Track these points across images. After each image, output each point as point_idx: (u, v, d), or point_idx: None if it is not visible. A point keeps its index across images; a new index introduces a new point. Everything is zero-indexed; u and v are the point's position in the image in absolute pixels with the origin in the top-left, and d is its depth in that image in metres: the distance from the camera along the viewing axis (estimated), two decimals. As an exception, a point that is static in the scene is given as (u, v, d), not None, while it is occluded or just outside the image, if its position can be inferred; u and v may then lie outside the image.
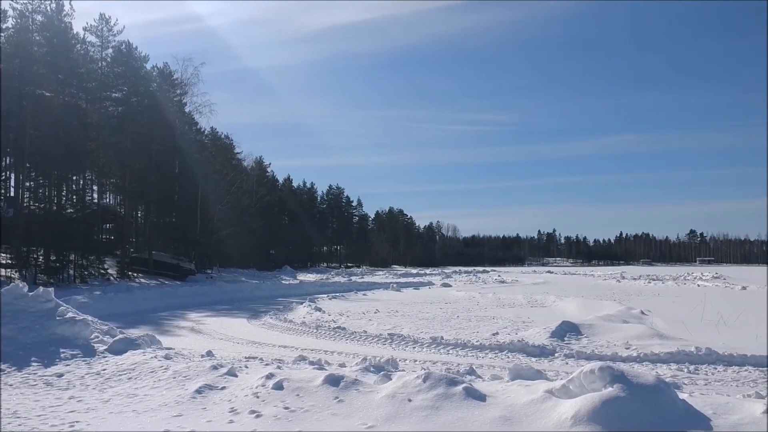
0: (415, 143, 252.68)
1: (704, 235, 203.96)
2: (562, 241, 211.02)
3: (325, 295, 32.63)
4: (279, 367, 8.41)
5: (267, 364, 9.18)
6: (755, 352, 11.60)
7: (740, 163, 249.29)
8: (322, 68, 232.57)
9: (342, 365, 9.46)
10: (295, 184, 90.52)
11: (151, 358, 9.22)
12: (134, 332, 12.66)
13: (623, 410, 5.28)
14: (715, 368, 10.99)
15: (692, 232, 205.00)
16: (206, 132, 53.69)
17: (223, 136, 59.88)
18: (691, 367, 11.02)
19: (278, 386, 7.06)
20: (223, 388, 7.39)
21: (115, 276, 34.26)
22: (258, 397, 6.84)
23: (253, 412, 6.38)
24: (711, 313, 20.04)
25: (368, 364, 8.43)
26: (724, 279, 52.45)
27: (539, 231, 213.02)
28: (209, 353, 10.42)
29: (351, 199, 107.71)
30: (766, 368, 10.76)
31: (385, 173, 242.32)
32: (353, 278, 53.20)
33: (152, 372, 8.43)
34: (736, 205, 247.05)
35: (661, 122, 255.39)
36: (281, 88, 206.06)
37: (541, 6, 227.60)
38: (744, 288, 38.68)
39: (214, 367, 8.24)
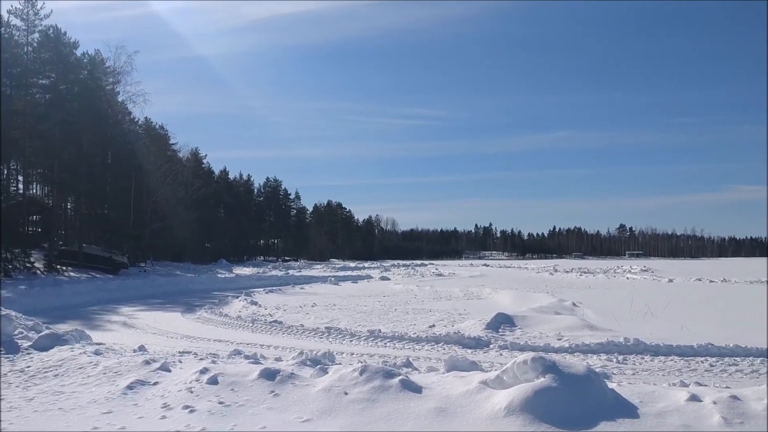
0: (353, 136, 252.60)
1: (633, 229, 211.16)
2: (498, 234, 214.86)
3: (262, 289, 32.32)
4: (214, 362, 8.28)
5: (201, 359, 9.02)
6: (681, 342, 12.06)
7: (669, 161, 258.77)
8: (262, 59, 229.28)
9: (278, 359, 9.38)
10: (231, 176, 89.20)
11: (80, 353, 8.93)
12: (62, 327, 12.25)
13: (555, 400, 5.40)
14: (643, 358, 11.37)
15: (622, 226, 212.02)
16: (140, 122, 52.31)
17: (157, 126, 58.54)
18: (620, 357, 11.37)
19: (213, 381, 6.95)
20: (156, 383, 7.22)
21: (42, 270, 33.05)
22: (192, 392, 6.71)
23: (186, 407, 6.25)
24: (639, 304, 20.75)
25: (305, 358, 8.38)
26: (652, 272, 54.43)
27: (476, 225, 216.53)
28: (142, 348, 10.18)
29: (289, 192, 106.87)
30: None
31: (324, 166, 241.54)
32: (290, 272, 52.77)
33: (81, 368, 8.16)
34: (663, 201, 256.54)
35: (593, 120, 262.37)
36: (220, 77, 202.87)
37: (481, 5, 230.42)
38: (671, 281, 40.27)
39: (147, 362, 8.05)
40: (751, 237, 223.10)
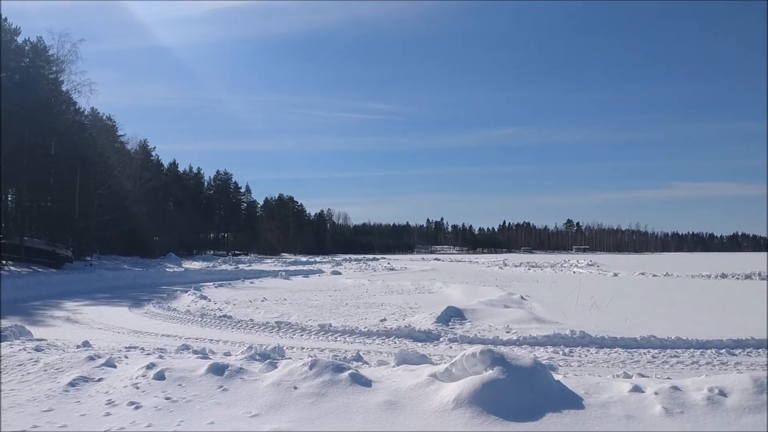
0: (306, 130, 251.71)
1: (580, 224, 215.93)
2: (450, 229, 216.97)
3: (211, 283, 31.90)
4: (161, 357, 8.13)
5: (148, 354, 8.85)
6: (624, 335, 12.34)
7: (613, 158, 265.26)
8: (212, 50, 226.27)
9: (227, 354, 9.27)
10: (180, 168, 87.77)
11: (19, 350, 8.66)
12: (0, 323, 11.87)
13: (502, 392, 5.47)
14: (588, 350, 11.57)
15: (569, 221, 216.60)
16: (86, 112, 50.99)
17: (105, 117, 57.18)
18: (566, 350, 11.56)
19: (160, 376, 6.82)
20: (100, 379, 7.05)
21: (-19, 264, 31.98)
22: (138, 388, 6.58)
23: (132, 403, 6.12)
24: (585, 298, 21.15)
25: (254, 353, 8.30)
26: (598, 266, 55.64)
27: (428, 219, 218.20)
28: (86, 343, 9.94)
29: (239, 186, 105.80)
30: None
31: (276, 160, 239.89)
32: (241, 266, 52.25)
33: (20, 365, 7.91)
34: (609, 196, 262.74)
35: (541, 117, 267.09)
36: (169, 69, 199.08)
37: (433, 3, 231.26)
38: (615, 275, 41.25)
39: (91, 358, 7.85)
40: (692, 232, 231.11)
